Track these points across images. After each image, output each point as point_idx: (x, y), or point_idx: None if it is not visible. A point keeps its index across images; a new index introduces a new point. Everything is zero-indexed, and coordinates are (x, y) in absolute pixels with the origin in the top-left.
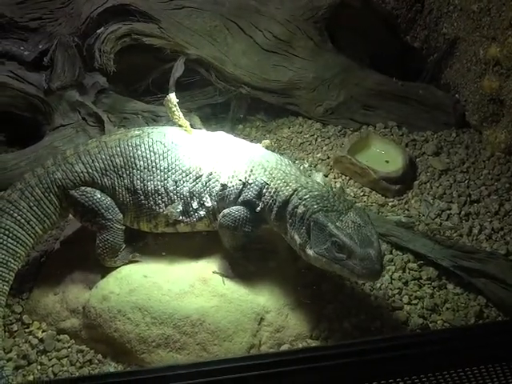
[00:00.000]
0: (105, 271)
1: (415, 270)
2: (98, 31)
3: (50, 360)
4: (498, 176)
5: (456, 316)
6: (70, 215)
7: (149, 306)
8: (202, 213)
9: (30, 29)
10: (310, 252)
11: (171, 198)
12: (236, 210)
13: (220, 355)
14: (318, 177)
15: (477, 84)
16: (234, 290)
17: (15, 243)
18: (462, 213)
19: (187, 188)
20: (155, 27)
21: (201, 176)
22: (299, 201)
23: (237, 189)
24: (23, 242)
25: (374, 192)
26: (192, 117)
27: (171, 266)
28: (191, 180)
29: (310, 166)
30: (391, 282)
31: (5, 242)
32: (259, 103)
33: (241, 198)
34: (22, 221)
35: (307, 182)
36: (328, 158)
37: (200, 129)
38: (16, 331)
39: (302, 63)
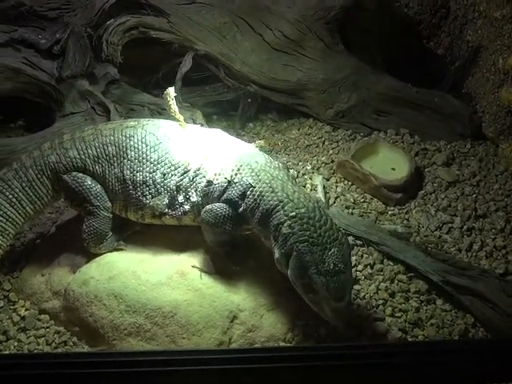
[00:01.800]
0: (91, 257)
1: (404, 282)
2: (108, 23)
3: (27, 338)
4: (509, 192)
5: (439, 333)
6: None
7: (124, 294)
8: (187, 207)
9: (48, 18)
10: (285, 271)
11: (158, 190)
12: (218, 207)
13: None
14: (318, 180)
15: (494, 95)
16: (210, 286)
17: (4, 221)
18: (465, 227)
19: (174, 182)
20: (164, 21)
21: (188, 171)
22: (285, 217)
23: (221, 186)
24: (13, 220)
25: (375, 199)
26: (195, 112)
27: (154, 257)
28: (179, 174)
29: (313, 168)
30: (377, 292)
31: None
32: (271, 103)
33: (224, 196)
34: (14, 200)
35: (294, 192)
36: (332, 161)
37: (201, 124)
38: (1, 307)
39: (312, 64)
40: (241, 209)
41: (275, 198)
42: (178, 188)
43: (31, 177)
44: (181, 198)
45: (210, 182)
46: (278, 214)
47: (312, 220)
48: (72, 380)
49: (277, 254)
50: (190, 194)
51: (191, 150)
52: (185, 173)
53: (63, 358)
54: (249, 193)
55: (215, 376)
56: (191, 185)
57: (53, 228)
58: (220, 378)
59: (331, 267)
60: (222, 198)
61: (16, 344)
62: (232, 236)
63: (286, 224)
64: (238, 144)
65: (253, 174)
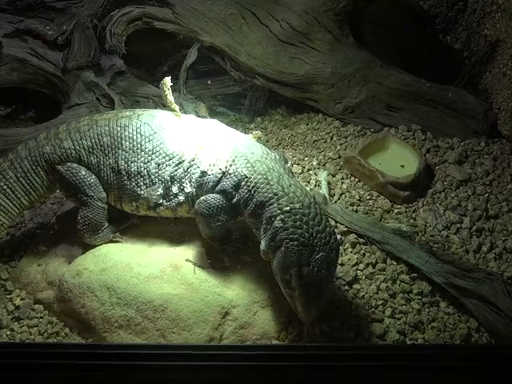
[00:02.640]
0: (87, 248)
1: (406, 283)
2: (112, 13)
3: (20, 327)
4: None
5: (440, 336)
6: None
7: (116, 286)
8: (182, 198)
9: (56, 9)
10: (270, 259)
11: (152, 180)
12: (212, 198)
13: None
14: (323, 175)
15: (511, 90)
16: (203, 281)
17: None
18: (474, 228)
19: (168, 172)
20: (169, 12)
21: (183, 161)
22: (278, 211)
23: (215, 177)
24: (7, 210)
25: (381, 197)
26: (198, 104)
27: (149, 249)
28: (173, 164)
29: (319, 164)
30: (377, 292)
31: None
32: (280, 97)
33: (218, 187)
34: (8, 190)
35: (289, 186)
36: (339, 157)
37: (204, 117)
38: None
39: (320, 57)
40: (235, 200)
41: (270, 191)
42: (173, 178)
43: (26, 168)
44: (175, 189)
45: (204, 173)
46: (271, 206)
47: (306, 217)
48: (59, 371)
49: (263, 246)
50: (184, 184)
51: (186, 140)
52: (179, 163)
53: (50, 348)
54: (243, 184)
55: (204, 372)
56: (185, 175)
57: (53, 219)
58: (209, 375)
59: (314, 272)
60: (216, 189)
61: (8, 333)
62: (226, 230)
63: (278, 218)
64: (234, 134)
65: (248, 165)
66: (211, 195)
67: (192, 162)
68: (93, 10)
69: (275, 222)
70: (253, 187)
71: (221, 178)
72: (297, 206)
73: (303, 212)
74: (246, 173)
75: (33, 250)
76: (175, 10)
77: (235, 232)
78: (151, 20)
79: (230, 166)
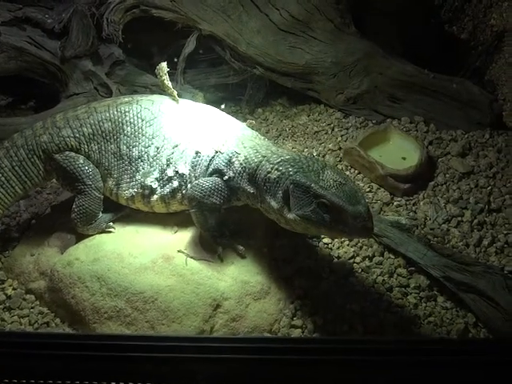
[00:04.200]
0: (81, 238)
1: (404, 277)
2: (109, 1)
3: (11, 317)
4: None
5: (436, 331)
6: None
7: (107, 276)
8: (175, 183)
9: None
10: (290, 216)
11: (151, 164)
12: (205, 181)
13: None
14: None
15: None
16: (195, 272)
17: None
18: (475, 221)
19: (165, 155)
20: (167, 0)
21: (179, 144)
22: (271, 165)
23: (208, 156)
24: (0, 199)
25: (381, 189)
26: (196, 94)
27: (141, 240)
28: (170, 147)
29: (318, 155)
30: (373, 286)
31: None
32: (281, 88)
33: (211, 166)
34: (3, 179)
35: (277, 149)
36: (340, 148)
37: None
38: None
39: (321, 46)
40: (226, 177)
41: (259, 155)
42: (169, 161)
43: (22, 156)
44: (170, 172)
45: (198, 153)
46: (263, 167)
47: (299, 162)
48: (47, 360)
49: (275, 205)
50: (179, 166)
51: (183, 123)
52: (176, 146)
53: (38, 338)
54: (234, 159)
55: (192, 364)
56: (181, 157)
57: (48, 209)
58: (197, 367)
59: (331, 183)
60: (210, 169)
61: None
62: (220, 222)
63: (273, 171)
64: (229, 119)
65: (238, 142)
66: (204, 178)
67: (188, 145)
68: None
69: (271, 175)
70: (243, 160)
71: (213, 157)
72: (287, 157)
73: (294, 158)
74: (236, 149)
75: (26, 240)
76: None
77: (229, 224)
78: (149, 8)
79: (223, 145)
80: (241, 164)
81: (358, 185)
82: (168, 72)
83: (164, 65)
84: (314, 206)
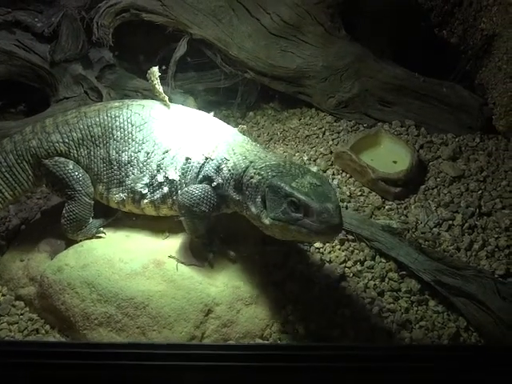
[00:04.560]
0: (71, 243)
1: (395, 281)
2: (99, 5)
3: (0, 324)
4: None
5: (427, 336)
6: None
7: (97, 282)
8: (166, 188)
9: (45, 1)
10: (266, 221)
11: (141, 169)
12: (194, 188)
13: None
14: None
15: (506, 85)
16: (186, 277)
17: None
18: (466, 225)
19: (156, 160)
20: (158, 4)
21: (170, 149)
22: (254, 170)
23: (198, 163)
24: None
25: (373, 193)
26: (186, 98)
27: (132, 245)
28: (160, 153)
29: (309, 159)
30: (364, 291)
31: None
32: (273, 92)
33: (201, 173)
34: None
35: (266, 156)
36: (331, 152)
37: None
38: None
39: (312, 50)
40: (214, 183)
41: (246, 161)
42: (159, 167)
43: (11, 162)
44: (160, 178)
45: (188, 159)
46: (248, 172)
47: (281, 167)
48: (37, 370)
49: (254, 210)
50: (169, 172)
51: (174, 129)
52: (166, 151)
53: (28, 346)
54: (223, 166)
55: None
56: (171, 163)
57: (38, 214)
58: (189, 375)
59: (305, 185)
60: (200, 176)
61: None
62: (211, 229)
63: (255, 175)
64: (220, 125)
65: (229, 148)
66: (193, 186)
67: (178, 150)
68: (81, 1)
69: (253, 180)
70: (232, 167)
71: (203, 164)
72: (272, 162)
73: (278, 163)
74: (225, 156)
75: (16, 246)
76: (164, 1)
77: (220, 231)
78: (139, 12)
79: (213, 151)
80: (229, 170)
81: (338, 190)
82: (159, 76)
83: (155, 69)
84: (284, 206)
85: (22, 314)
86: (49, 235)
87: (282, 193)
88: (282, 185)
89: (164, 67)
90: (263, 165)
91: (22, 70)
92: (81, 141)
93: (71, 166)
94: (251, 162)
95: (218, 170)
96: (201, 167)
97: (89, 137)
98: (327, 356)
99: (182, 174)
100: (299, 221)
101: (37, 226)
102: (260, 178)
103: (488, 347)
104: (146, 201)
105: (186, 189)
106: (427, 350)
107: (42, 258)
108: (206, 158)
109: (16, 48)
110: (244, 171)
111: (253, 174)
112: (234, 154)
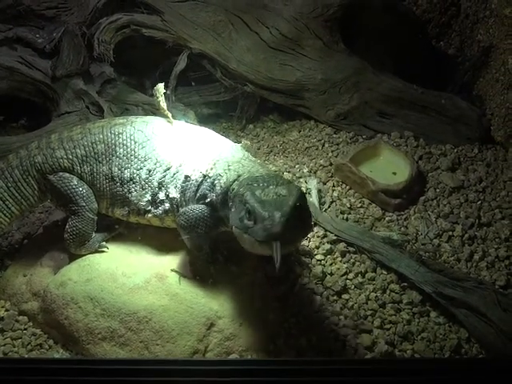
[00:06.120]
0: (74, 258)
1: (396, 293)
2: (100, 21)
3: (4, 339)
4: None
5: (429, 347)
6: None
7: (100, 297)
8: (167, 205)
9: (46, 17)
10: (233, 230)
11: (143, 186)
12: (190, 210)
13: (160, 356)
14: (313, 183)
15: (504, 96)
16: (189, 291)
17: None
18: (466, 236)
19: (157, 178)
20: (158, 19)
21: (171, 167)
22: (237, 183)
23: (197, 181)
24: None
25: (373, 204)
26: (187, 112)
27: (135, 259)
28: (162, 170)
29: (310, 171)
30: (366, 302)
31: None
32: (272, 104)
33: (199, 191)
34: None
35: (257, 170)
36: (331, 164)
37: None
38: None
39: (311, 63)
40: (208, 199)
41: (235, 176)
42: (160, 184)
43: (17, 177)
44: (162, 195)
45: (187, 178)
46: (233, 185)
47: (262, 179)
48: None
49: (229, 223)
50: (170, 190)
51: (176, 146)
52: (167, 169)
53: (31, 363)
54: (216, 182)
55: None
56: (172, 181)
57: (41, 228)
58: None
59: (269, 194)
60: (198, 194)
61: None
62: (210, 240)
63: (236, 188)
64: (221, 141)
65: (225, 165)
66: (190, 207)
67: (179, 168)
68: (82, 17)
69: (232, 194)
70: (224, 182)
71: (201, 182)
72: (256, 175)
73: (262, 177)
74: (220, 172)
75: (19, 261)
76: (164, 17)
77: (222, 248)
78: (139, 27)
79: (211, 169)
80: (221, 187)
81: (338, 201)
82: (164, 93)
83: (161, 86)
84: (242, 214)
85: (25, 329)
86: (51, 250)
87: (242, 201)
88: (245, 192)
89: (165, 80)
90: (246, 177)
91: (23, 85)
92: (84, 157)
93: (75, 182)
94: (239, 176)
95: (212, 186)
96: (199, 185)
97: (92, 153)
98: (329, 370)
99: (182, 192)
100: (249, 228)
101: (39, 241)
102: (237, 188)
103: (489, 359)
104: (150, 215)
105: (183, 210)
106: (428, 363)
107: (45, 272)
108: (204, 176)
109: (18, 64)
110: (231, 185)
111: (235, 187)
112: (229, 170)
